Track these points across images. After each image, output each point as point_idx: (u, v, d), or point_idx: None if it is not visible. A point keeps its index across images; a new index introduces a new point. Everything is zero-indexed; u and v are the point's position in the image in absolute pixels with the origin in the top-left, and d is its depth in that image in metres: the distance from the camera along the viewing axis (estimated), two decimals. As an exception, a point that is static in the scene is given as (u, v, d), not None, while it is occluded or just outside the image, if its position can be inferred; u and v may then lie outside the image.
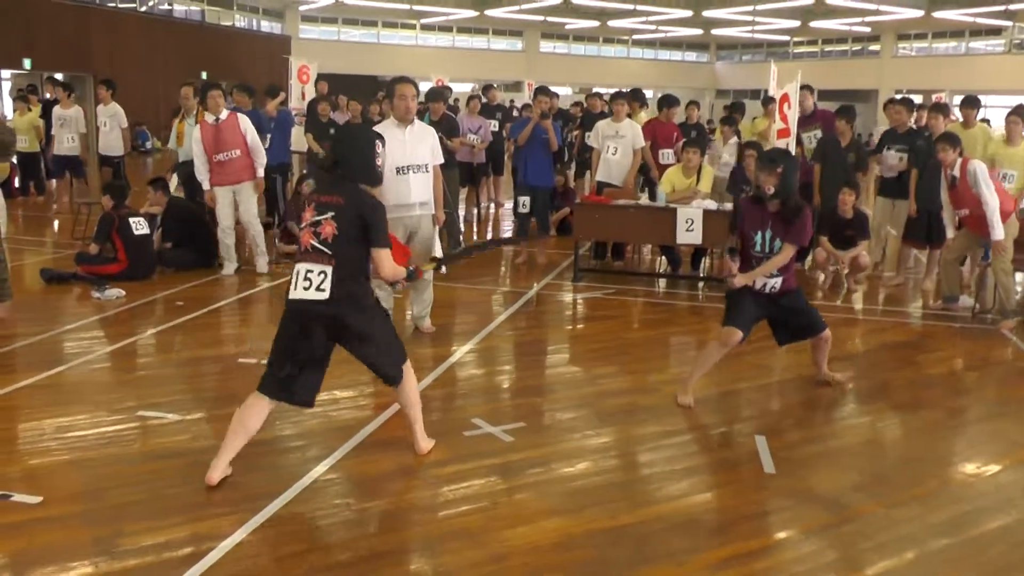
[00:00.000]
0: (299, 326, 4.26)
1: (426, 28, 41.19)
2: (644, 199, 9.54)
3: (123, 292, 8.16)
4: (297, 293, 4.22)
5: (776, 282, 5.61)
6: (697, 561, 3.76)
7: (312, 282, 4.19)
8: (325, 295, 4.17)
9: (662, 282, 9.67)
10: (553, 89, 11.37)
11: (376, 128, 6.93)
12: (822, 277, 9.57)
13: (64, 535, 3.83)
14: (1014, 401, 6.13)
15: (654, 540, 3.93)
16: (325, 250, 4.19)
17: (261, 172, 9.27)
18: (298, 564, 3.66)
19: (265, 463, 4.63)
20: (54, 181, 14.31)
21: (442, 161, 7.11)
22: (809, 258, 9.84)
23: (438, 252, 7.20)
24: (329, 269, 4.18)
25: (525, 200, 10.02)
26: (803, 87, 10.11)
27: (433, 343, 6.97)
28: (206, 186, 9.10)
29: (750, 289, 5.61)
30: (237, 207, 9.17)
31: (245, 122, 9.11)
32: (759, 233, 5.57)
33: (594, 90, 14.40)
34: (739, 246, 5.73)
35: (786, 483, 4.57)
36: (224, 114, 8.96)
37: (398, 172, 6.76)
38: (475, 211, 13.71)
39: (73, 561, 3.63)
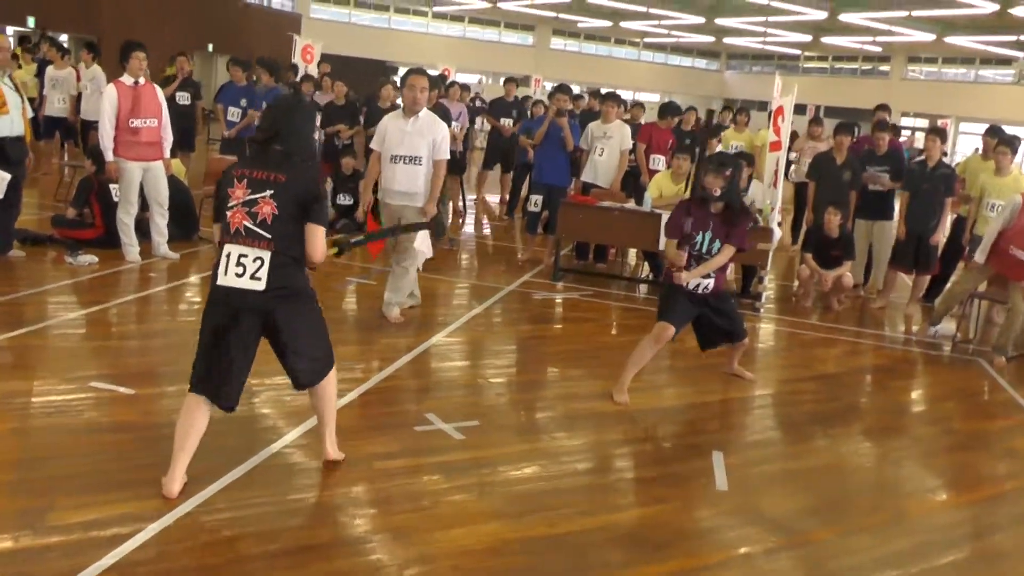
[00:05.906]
0: (230, 315, 3.87)
1: (438, 16, 41.05)
2: (631, 203, 9.43)
3: (96, 259, 8.05)
4: (228, 280, 3.83)
5: (709, 283, 5.80)
6: (634, 576, 3.67)
7: (247, 268, 3.79)
8: (261, 284, 3.79)
9: (643, 288, 9.56)
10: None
11: (386, 116, 7.00)
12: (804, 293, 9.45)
13: (-9, 504, 3.74)
14: (984, 435, 6.05)
15: (592, 551, 3.84)
16: (263, 233, 3.78)
17: (168, 152, 8.50)
18: (224, 551, 3.57)
19: (210, 445, 4.50)
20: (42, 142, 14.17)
21: (446, 157, 6.97)
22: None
23: (423, 244, 7.01)
24: (267, 255, 3.79)
25: (537, 199, 9.93)
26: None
27: (400, 333, 6.84)
28: (109, 156, 8.12)
29: (684, 288, 5.76)
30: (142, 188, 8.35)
31: (161, 94, 8.41)
32: (701, 233, 5.73)
33: (583, 91, 14.14)
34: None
35: (737, 502, 4.48)
36: (143, 80, 8.20)
37: (392, 160, 6.84)
38: (458, 203, 13.11)
39: (-6, 532, 3.53)
